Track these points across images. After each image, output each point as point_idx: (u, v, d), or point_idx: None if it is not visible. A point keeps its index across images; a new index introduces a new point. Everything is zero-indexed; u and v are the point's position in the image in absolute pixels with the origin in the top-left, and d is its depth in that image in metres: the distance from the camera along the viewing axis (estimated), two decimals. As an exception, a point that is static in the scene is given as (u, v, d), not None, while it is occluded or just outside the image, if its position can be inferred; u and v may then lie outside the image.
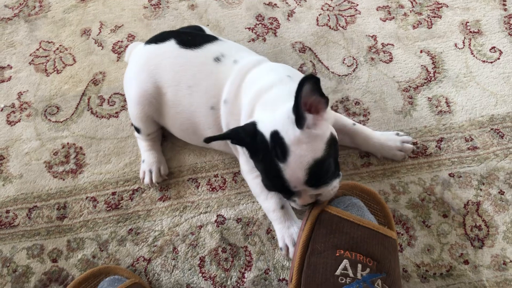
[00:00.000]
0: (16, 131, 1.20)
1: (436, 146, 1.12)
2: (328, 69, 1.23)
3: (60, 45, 1.33)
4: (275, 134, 0.78)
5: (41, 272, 1.04)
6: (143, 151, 1.11)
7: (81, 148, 1.17)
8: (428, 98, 1.18)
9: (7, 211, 1.10)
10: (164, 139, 1.16)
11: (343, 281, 0.78)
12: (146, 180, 1.09)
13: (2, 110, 1.23)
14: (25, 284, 1.02)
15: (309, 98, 0.76)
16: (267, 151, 0.79)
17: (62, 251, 1.05)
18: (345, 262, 0.80)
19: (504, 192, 1.06)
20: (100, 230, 1.07)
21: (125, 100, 1.21)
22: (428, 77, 1.21)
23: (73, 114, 1.21)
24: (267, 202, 0.99)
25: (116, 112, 1.21)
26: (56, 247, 1.06)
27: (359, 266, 0.80)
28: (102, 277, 0.97)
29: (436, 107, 1.17)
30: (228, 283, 1.00)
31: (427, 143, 1.12)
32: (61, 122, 1.21)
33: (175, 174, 1.12)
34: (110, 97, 1.23)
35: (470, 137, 1.12)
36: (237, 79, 0.94)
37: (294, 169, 0.77)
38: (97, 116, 1.21)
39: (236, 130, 0.83)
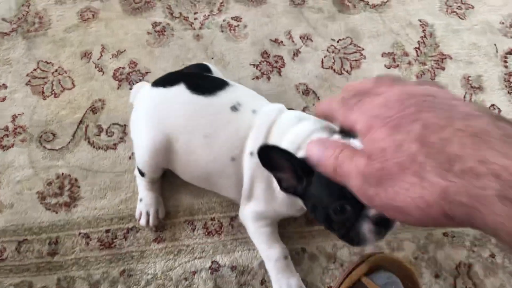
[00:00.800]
0: (8, 156, 1.17)
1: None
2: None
3: (59, 67, 1.29)
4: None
5: (29, 310, 1.01)
6: (142, 189, 1.10)
7: (76, 180, 1.14)
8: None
9: (-4, 243, 1.08)
10: (162, 177, 1.14)
11: None
12: (142, 222, 1.07)
13: (-5, 133, 1.20)
14: (11, 322, 1.00)
15: None
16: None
17: (51, 289, 1.03)
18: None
19: (495, 255, 1.08)
20: (92, 270, 1.05)
21: (123, 132, 1.19)
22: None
23: (69, 142, 1.19)
24: (271, 251, 0.99)
25: (114, 144, 1.18)
26: (46, 285, 1.04)
27: None
28: (93, 322, 0.95)
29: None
30: (220, 333, 1.00)
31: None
32: (57, 150, 1.18)
33: (171, 214, 1.11)
34: (108, 127, 1.20)
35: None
36: (262, 130, 0.92)
37: None
38: (94, 147, 1.18)
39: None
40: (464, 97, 1.27)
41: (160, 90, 1.00)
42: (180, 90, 0.96)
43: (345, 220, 0.72)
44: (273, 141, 0.89)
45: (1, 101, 1.24)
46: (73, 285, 1.04)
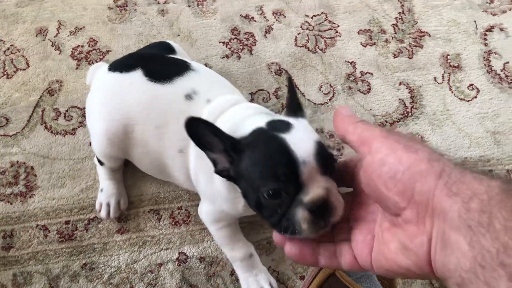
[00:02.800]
0: (-43, 143, 1.08)
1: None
2: (304, 95, 1.17)
3: (11, 45, 1.19)
4: (273, 121, 0.71)
5: (-17, 309, 0.95)
6: (103, 179, 1.03)
7: (32, 168, 1.07)
8: (404, 135, 1.14)
9: None
10: (125, 163, 1.07)
11: None
12: (103, 213, 1.01)
13: None
14: (-36, 322, 0.94)
15: None
16: (262, 133, 0.68)
17: (6, 286, 0.97)
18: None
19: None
20: (51, 264, 0.99)
21: (83, 116, 1.11)
22: (405, 112, 1.17)
23: (24, 127, 1.10)
24: (234, 252, 0.94)
25: (73, 129, 1.11)
26: (0, 281, 0.97)
27: None
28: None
29: (411, 145, 1.13)
30: (188, 328, 0.96)
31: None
32: (11, 136, 1.09)
33: (135, 204, 1.05)
34: (67, 111, 1.12)
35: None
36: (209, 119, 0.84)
37: (301, 136, 0.64)
38: (51, 132, 1.10)
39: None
40: (443, 76, 1.22)
41: (116, 76, 0.91)
42: (136, 77, 0.89)
43: (277, 205, 0.63)
44: None
45: None
46: (30, 281, 0.98)
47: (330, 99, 1.17)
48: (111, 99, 0.90)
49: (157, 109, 0.87)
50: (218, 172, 0.70)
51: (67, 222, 1.02)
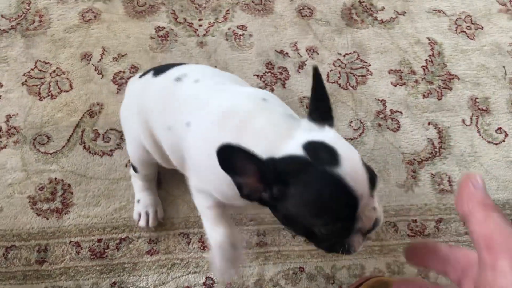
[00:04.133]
0: (0, 158, 1.13)
1: (434, 227, 1.10)
2: (335, 130, 1.20)
3: (57, 68, 1.25)
4: (310, 144, 0.62)
5: (13, 320, 0.97)
6: (138, 191, 1.06)
7: (69, 185, 1.10)
8: (432, 174, 1.16)
9: (-18, 248, 1.03)
10: (158, 186, 1.11)
11: None
12: (142, 222, 1.04)
13: (-12, 132, 1.16)
14: (-6, 333, 0.96)
15: None
16: (307, 166, 0.61)
17: (38, 299, 0.99)
18: None
19: None
20: (82, 280, 1.01)
21: (121, 138, 1.16)
22: (434, 151, 1.19)
23: (64, 146, 1.15)
24: (214, 233, 0.82)
25: (111, 150, 1.15)
26: (32, 294, 1.00)
27: None
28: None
29: (438, 184, 1.15)
30: None
31: (426, 223, 1.10)
32: (51, 154, 1.14)
33: (166, 226, 1.07)
34: (105, 132, 1.17)
35: (469, 221, 1.11)
36: (204, 102, 0.79)
37: (354, 167, 0.60)
38: (89, 152, 1.14)
39: (268, 164, 0.62)
40: (471, 118, 1.24)
41: (136, 83, 0.99)
42: (147, 78, 0.94)
43: (333, 236, 0.63)
44: (211, 116, 0.76)
45: (-4, 100, 1.20)
46: (60, 296, 1.00)
47: (359, 135, 1.20)
48: (134, 103, 0.94)
49: (157, 97, 0.87)
50: (245, 196, 0.64)
51: (99, 240, 1.05)
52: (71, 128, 1.17)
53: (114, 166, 1.13)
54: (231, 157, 0.59)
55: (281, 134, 0.67)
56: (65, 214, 1.07)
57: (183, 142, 0.80)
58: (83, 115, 1.19)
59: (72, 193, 1.10)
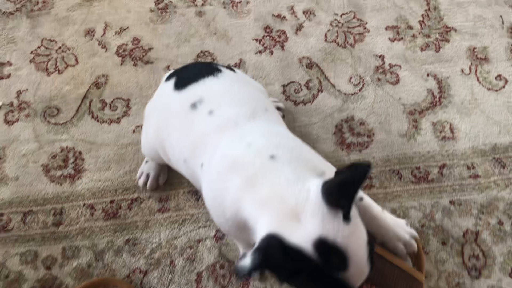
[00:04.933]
0: (13, 131, 1.17)
1: (438, 172, 1.12)
2: (334, 87, 1.23)
3: (62, 44, 1.30)
4: (322, 243, 0.59)
5: (34, 279, 1.01)
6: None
7: (80, 153, 1.15)
8: (433, 123, 1.18)
9: (1, 214, 1.08)
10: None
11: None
12: (140, 182, 1.09)
13: (0, 108, 1.20)
14: (17, 291, 1.00)
15: None
16: (314, 267, 0.59)
17: (56, 258, 1.03)
18: (370, 296, 0.80)
19: (503, 222, 1.07)
20: (97, 239, 1.05)
21: (127, 106, 1.20)
22: (434, 101, 1.21)
23: (73, 117, 1.19)
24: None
25: (118, 118, 1.19)
26: (51, 254, 1.04)
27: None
28: (100, 288, 0.95)
29: (440, 132, 1.17)
30: (225, 300, 1.00)
31: (429, 169, 1.12)
32: (61, 124, 1.18)
33: (175, 185, 1.11)
34: (112, 102, 1.21)
35: (472, 165, 1.13)
36: (212, 143, 0.78)
37: (361, 268, 0.60)
38: (98, 121, 1.18)
39: (267, 251, 0.59)
40: (470, 68, 1.25)
41: (162, 86, 0.95)
42: (169, 86, 0.90)
43: None
44: (219, 167, 0.75)
45: (6, 78, 1.25)
46: (78, 254, 1.04)
47: (359, 90, 1.22)
48: (153, 110, 0.94)
49: (170, 118, 0.86)
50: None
51: (111, 202, 1.09)
52: (79, 99, 1.21)
53: (122, 132, 1.17)
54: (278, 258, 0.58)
55: (288, 210, 0.63)
56: (78, 179, 1.12)
57: (199, 178, 0.81)
58: (90, 86, 1.23)
59: (83, 159, 1.14)
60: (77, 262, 1.03)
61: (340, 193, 0.60)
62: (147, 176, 1.08)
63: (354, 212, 0.62)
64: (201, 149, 0.79)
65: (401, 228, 0.92)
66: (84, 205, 1.09)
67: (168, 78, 0.93)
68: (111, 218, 1.07)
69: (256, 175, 0.69)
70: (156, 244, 1.05)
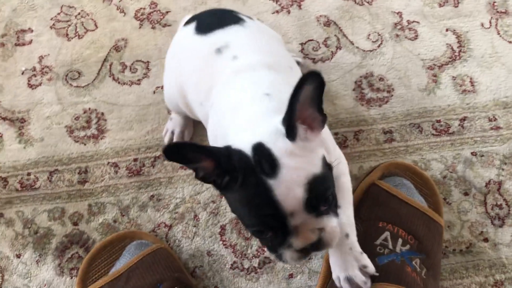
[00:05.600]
0: (37, 94, 1.20)
1: (459, 125, 1.11)
2: (353, 44, 1.22)
3: (81, 10, 1.31)
4: (259, 146, 0.62)
5: (62, 234, 1.04)
6: (174, 113, 1.10)
7: (102, 114, 1.16)
8: (453, 77, 1.17)
9: (28, 174, 1.10)
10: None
11: (381, 251, 0.78)
12: (166, 139, 1.10)
13: (23, 73, 1.22)
14: (46, 245, 1.03)
15: (305, 108, 0.62)
16: (249, 168, 0.61)
17: (83, 214, 1.06)
18: (387, 233, 0.81)
19: (526, 172, 1.06)
20: (121, 196, 1.07)
21: (147, 68, 1.21)
22: (453, 56, 1.20)
23: (94, 79, 1.21)
24: None
25: (138, 80, 1.20)
26: (77, 210, 1.06)
27: (400, 240, 0.80)
28: (127, 241, 0.97)
29: (460, 86, 1.16)
30: (249, 251, 1.01)
31: (450, 122, 1.12)
32: (83, 87, 1.20)
33: (197, 143, 1.12)
34: (132, 64, 1.22)
35: (493, 117, 1.12)
36: (224, 82, 0.80)
37: (288, 184, 0.59)
38: (119, 83, 1.20)
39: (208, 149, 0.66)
40: (490, 21, 1.24)
41: (181, 31, 0.96)
42: (189, 30, 0.90)
43: (264, 240, 0.68)
44: (219, 98, 0.79)
45: (28, 44, 1.27)
46: (104, 210, 1.06)
47: (378, 46, 1.22)
48: (174, 54, 0.95)
49: (193, 61, 0.87)
50: (200, 178, 0.65)
51: (135, 160, 1.11)
52: (100, 63, 1.23)
53: (143, 93, 1.18)
54: (179, 153, 0.59)
55: (249, 124, 0.69)
56: (101, 139, 1.13)
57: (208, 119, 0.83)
58: (110, 50, 1.24)
59: (105, 120, 1.16)
60: (103, 217, 1.05)
61: (286, 113, 0.62)
62: (172, 132, 1.09)
63: (310, 145, 0.64)
64: (215, 90, 0.81)
65: (355, 264, 0.77)
66: (108, 163, 1.11)
67: (187, 23, 0.94)
68: (135, 176, 1.09)
69: (242, 104, 0.73)
70: (179, 199, 1.06)
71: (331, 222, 0.65)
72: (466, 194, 1.04)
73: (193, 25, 0.90)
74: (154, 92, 1.18)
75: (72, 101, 1.18)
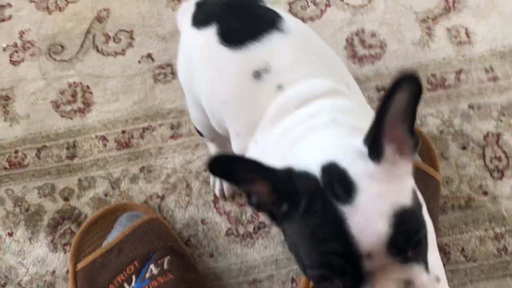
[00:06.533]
0: (20, 71, 1.17)
1: (455, 78, 1.08)
2: (342, 0, 1.18)
3: (60, -18, 1.27)
4: (331, 166, 0.49)
5: (54, 210, 1.02)
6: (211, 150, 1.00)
7: (88, 86, 1.14)
8: (447, 28, 1.13)
9: (16, 151, 1.08)
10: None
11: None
12: (216, 191, 0.99)
13: (4, 50, 1.19)
14: (38, 222, 1.02)
15: (395, 124, 0.48)
16: (316, 191, 0.48)
17: (73, 189, 1.04)
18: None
19: (526, 122, 1.03)
20: (111, 169, 1.05)
21: (131, 37, 1.18)
22: (447, 7, 1.15)
23: (78, 52, 1.17)
24: None
25: (123, 50, 1.17)
26: (67, 186, 1.04)
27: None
28: (118, 213, 0.95)
29: (455, 37, 1.12)
30: (243, 218, 0.99)
31: (446, 75, 1.08)
32: (66, 61, 1.17)
33: (186, 111, 1.09)
34: (115, 34, 1.18)
35: (490, 67, 1.08)
36: (270, 123, 0.65)
37: (368, 213, 0.45)
38: (103, 54, 1.17)
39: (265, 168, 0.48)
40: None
41: (193, 34, 0.74)
42: (209, 36, 0.70)
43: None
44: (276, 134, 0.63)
45: (8, 20, 1.23)
46: (94, 184, 1.04)
47: (369, 1, 1.17)
48: (186, 60, 0.78)
49: (222, 82, 0.70)
50: (253, 205, 0.52)
51: (123, 132, 1.08)
52: (82, 35, 1.19)
53: (128, 64, 1.15)
54: (227, 168, 0.47)
55: (317, 144, 0.56)
56: (88, 112, 1.11)
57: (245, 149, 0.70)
58: (92, 21, 1.21)
59: (91, 93, 1.13)
60: (94, 192, 1.04)
61: (371, 127, 0.48)
62: (221, 183, 0.98)
63: (400, 171, 0.50)
64: (260, 127, 0.66)
65: None
66: (96, 137, 1.08)
67: (201, 23, 0.73)
68: (124, 148, 1.07)
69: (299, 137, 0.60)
70: (171, 169, 1.04)
71: (422, 275, 0.48)
72: (464, 148, 1.02)
73: (213, 30, 0.70)
74: (139, 62, 1.15)
75: (56, 76, 1.15)
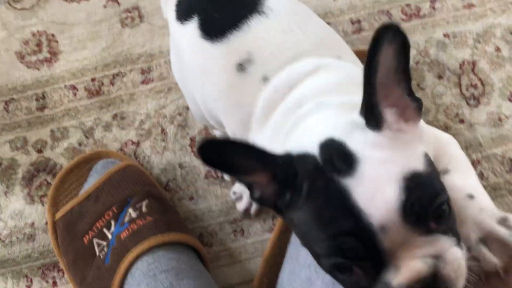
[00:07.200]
0: (-21, 23, 1.11)
1: (430, 7, 1.06)
2: None
3: None
4: (329, 142, 0.46)
5: (28, 163, 1.00)
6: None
7: (53, 35, 1.09)
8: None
9: (-17, 106, 1.05)
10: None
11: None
12: (240, 207, 0.92)
13: (-39, 1, 1.13)
14: (12, 176, 0.99)
15: (390, 85, 0.45)
16: (316, 170, 0.45)
17: (46, 141, 1.02)
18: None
19: (500, 49, 1.02)
20: (83, 118, 1.03)
21: (94, -19, 1.12)
22: None
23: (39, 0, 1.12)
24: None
25: (86, -5, 1.11)
26: (40, 138, 1.02)
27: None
28: (93, 162, 0.94)
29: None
30: (221, 159, 0.98)
31: (421, 4, 1.06)
32: (28, 9, 1.11)
33: (156, 55, 1.06)
34: (77, -21, 1.13)
35: (466, -6, 1.06)
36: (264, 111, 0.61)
37: (374, 181, 0.42)
38: (66, 0, 1.11)
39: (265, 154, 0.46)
40: None
41: (178, 30, 0.71)
42: (190, 30, 0.67)
43: (348, 282, 0.45)
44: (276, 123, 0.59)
45: (-39, -31, 1.16)
46: (67, 135, 1.02)
47: None
48: (179, 61, 0.75)
49: (209, 81, 0.66)
50: (256, 200, 0.49)
51: (93, 80, 1.05)
52: (42, -19, 1.13)
53: (93, 9, 1.10)
54: (220, 156, 0.43)
55: (313, 126, 0.52)
56: (55, 62, 1.07)
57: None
58: (51, -34, 1.14)
59: (57, 41, 1.08)
60: (68, 142, 1.01)
61: (363, 100, 0.46)
62: (246, 199, 0.91)
63: (406, 137, 0.46)
64: (254, 126, 0.63)
65: (489, 217, 0.54)
66: (65, 86, 1.05)
67: (183, 17, 0.69)
68: (94, 96, 1.04)
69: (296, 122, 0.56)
70: (144, 115, 1.02)
71: (452, 248, 0.43)
72: (440, 77, 1.01)
73: (195, 24, 0.66)
74: (104, 7, 1.10)
75: (18, 25, 1.10)
